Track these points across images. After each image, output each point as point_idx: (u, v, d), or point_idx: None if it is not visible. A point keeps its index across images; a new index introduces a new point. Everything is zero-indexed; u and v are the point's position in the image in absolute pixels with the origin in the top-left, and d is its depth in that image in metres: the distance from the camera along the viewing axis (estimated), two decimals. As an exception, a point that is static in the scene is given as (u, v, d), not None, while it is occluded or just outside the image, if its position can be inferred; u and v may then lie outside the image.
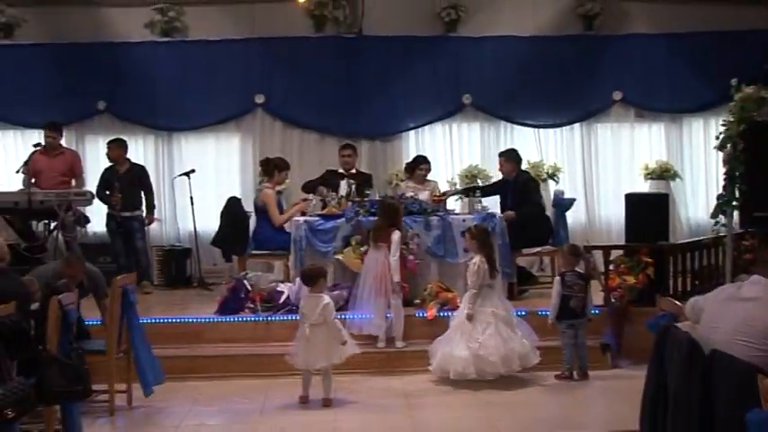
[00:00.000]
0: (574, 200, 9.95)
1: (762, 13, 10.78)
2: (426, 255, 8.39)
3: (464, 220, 8.56)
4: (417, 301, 8.15)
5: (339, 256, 8.32)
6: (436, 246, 8.44)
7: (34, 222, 9.31)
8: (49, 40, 10.68)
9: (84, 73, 10.58)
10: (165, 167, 10.93)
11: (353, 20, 10.83)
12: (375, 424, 6.19)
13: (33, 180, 9.25)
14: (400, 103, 10.92)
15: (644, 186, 10.76)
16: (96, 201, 9.55)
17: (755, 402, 3.27)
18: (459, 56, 10.93)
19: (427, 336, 7.57)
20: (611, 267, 8.12)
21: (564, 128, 11.13)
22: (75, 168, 9.66)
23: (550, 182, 10.65)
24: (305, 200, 9.26)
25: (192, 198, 10.08)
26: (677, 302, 4.74)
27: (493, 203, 9.58)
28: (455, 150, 11.12)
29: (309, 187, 9.54)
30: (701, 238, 8.90)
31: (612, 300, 7.91)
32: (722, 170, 8.02)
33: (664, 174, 10.85)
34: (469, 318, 7.04)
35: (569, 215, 9.72)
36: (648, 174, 10.88)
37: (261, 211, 9.10)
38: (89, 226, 9.77)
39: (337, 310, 7.71)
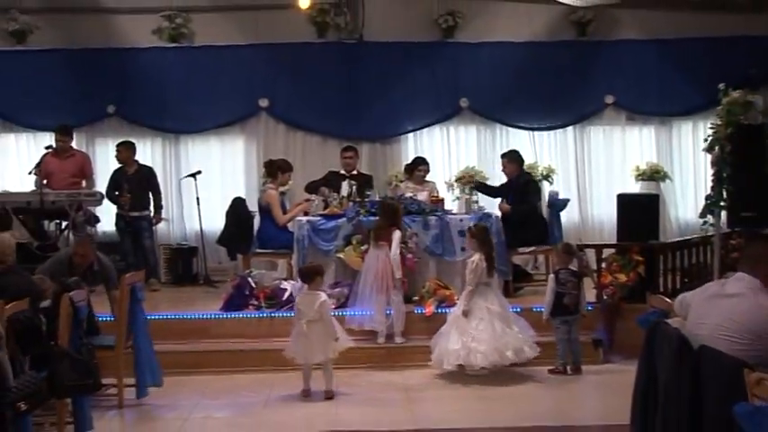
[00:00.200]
0: (568, 200, 9.95)
1: (747, 20, 10.78)
2: (425, 253, 8.38)
3: (461, 220, 8.56)
4: (416, 298, 8.14)
5: (340, 255, 8.32)
6: (434, 244, 8.44)
7: (46, 222, 9.33)
8: (60, 46, 10.68)
9: (95, 78, 10.58)
10: (172, 169, 10.93)
11: (354, 26, 10.83)
12: (375, 417, 6.18)
13: (45, 181, 9.24)
14: (400, 106, 10.93)
15: (635, 187, 10.75)
16: (106, 201, 9.57)
17: (743, 396, 3.28)
18: (457, 61, 10.93)
19: (426, 332, 7.57)
20: (603, 265, 8.12)
21: (558, 130, 11.13)
22: (85, 170, 9.69)
23: (545, 183, 10.64)
24: (307, 200, 9.27)
25: (198, 198, 10.07)
26: (667, 299, 4.74)
27: (489, 204, 9.61)
28: (453, 152, 11.12)
29: (312, 188, 9.54)
30: (690, 237, 8.91)
31: (605, 297, 7.91)
32: (710, 172, 8.02)
33: (654, 175, 10.84)
34: (465, 314, 7.04)
35: (563, 215, 9.73)
36: (639, 175, 10.87)
37: (265, 210, 9.11)
38: (99, 225, 9.77)
39: (338, 307, 7.76)
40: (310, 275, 6.80)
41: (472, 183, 9.54)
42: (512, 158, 9.38)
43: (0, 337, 4.58)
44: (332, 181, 9.53)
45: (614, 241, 8.64)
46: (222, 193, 10.38)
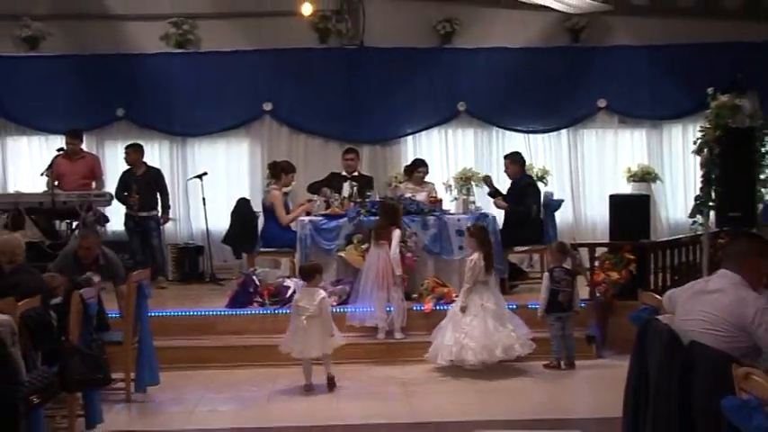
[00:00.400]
0: (562, 201, 9.95)
1: (735, 27, 10.78)
2: (423, 252, 8.38)
3: (459, 220, 8.57)
4: (415, 295, 8.13)
5: (342, 254, 8.32)
6: (433, 244, 8.44)
7: (57, 221, 9.35)
8: (71, 52, 10.66)
9: (104, 82, 10.57)
10: (179, 170, 10.92)
11: (355, 33, 10.84)
12: (375, 410, 6.18)
13: (56, 182, 9.25)
14: (399, 109, 10.92)
15: (627, 188, 10.75)
16: (115, 201, 9.59)
17: (730, 390, 3.27)
18: (455, 66, 10.92)
19: (424, 328, 7.58)
20: (596, 264, 8.13)
21: (552, 133, 11.11)
22: (95, 171, 9.72)
23: (540, 184, 10.63)
24: (310, 200, 9.27)
25: (204, 199, 10.08)
26: (658, 296, 4.73)
27: (486, 204, 9.61)
28: (450, 154, 11.11)
29: (314, 189, 9.54)
30: (680, 236, 8.90)
31: (597, 294, 7.92)
32: (699, 173, 8.01)
33: (645, 176, 10.84)
34: (463, 310, 7.05)
35: (557, 215, 9.73)
36: (631, 176, 10.87)
37: (268, 211, 9.11)
38: (108, 225, 9.78)
39: (340, 304, 7.78)
40: (310, 273, 6.81)
41: (487, 178, 9.51)
42: (514, 160, 9.38)
43: (14, 334, 4.59)
44: (333, 182, 9.54)
45: (607, 240, 8.65)
46: (227, 194, 10.36)
